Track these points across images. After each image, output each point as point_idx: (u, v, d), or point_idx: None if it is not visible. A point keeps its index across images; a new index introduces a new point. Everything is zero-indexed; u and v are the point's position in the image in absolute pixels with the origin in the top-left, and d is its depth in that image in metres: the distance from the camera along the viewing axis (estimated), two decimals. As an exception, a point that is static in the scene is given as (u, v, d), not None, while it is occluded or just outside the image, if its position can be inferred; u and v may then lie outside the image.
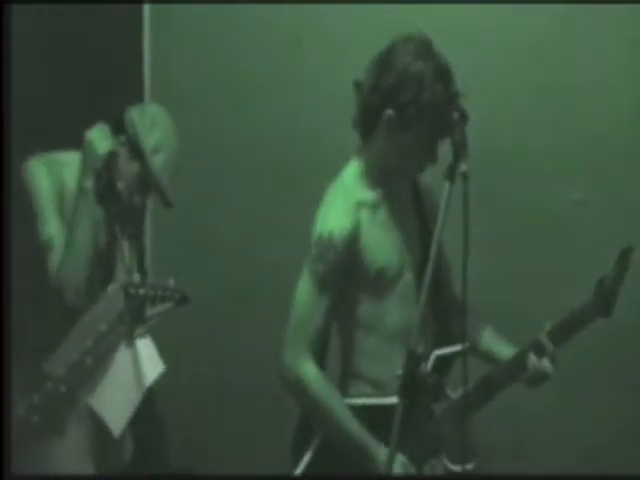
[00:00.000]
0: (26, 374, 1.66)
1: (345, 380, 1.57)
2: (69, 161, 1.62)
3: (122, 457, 1.76)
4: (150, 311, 1.46)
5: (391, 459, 1.35)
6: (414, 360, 1.29)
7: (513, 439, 2.13)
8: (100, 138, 1.57)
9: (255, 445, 2.24)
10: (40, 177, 1.59)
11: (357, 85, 1.48)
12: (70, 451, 1.67)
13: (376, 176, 1.51)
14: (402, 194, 1.58)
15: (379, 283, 1.50)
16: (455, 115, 1.32)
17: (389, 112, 1.43)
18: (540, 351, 1.48)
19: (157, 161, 1.57)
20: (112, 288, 1.55)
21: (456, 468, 1.52)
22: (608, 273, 1.46)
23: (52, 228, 1.57)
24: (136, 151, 1.55)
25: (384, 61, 1.44)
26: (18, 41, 2.02)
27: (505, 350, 1.57)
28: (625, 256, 1.45)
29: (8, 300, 0.90)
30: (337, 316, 1.53)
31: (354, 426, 1.47)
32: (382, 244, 1.50)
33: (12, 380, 1.70)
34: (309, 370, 1.46)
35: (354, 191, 1.50)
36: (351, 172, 1.53)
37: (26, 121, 1.93)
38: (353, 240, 1.46)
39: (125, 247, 1.64)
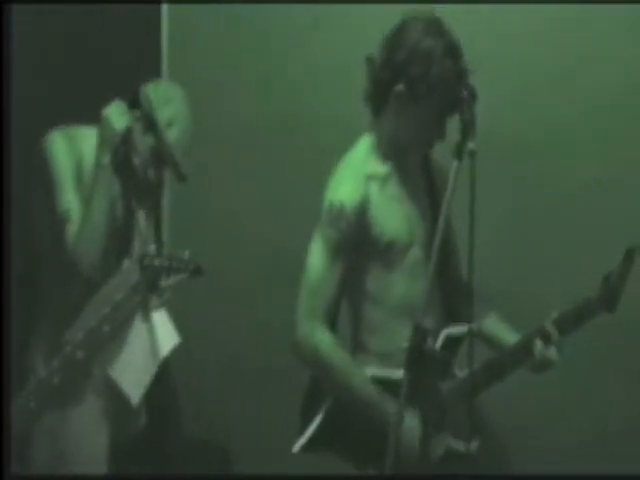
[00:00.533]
0: (49, 342, 1.73)
1: (352, 352, 1.59)
2: (89, 135, 1.65)
3: (135, 425, 1.82)
4: (165, 282, 1.50)
5: (394, 440, 1.34)
6: (420, 334, 1.31)
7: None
8: (117, 114, 1.61)
9: (267, 418, 2.29)
10: (60, 150, 1.63)
11: (369, 61, 1.52)
12: (86, 416, 1.73)
13: (386, 150, 1.55)
14: (413, 169, 1.61)
15: (388, 255, 1.53)
16: (464, 93, 1.34)
17: (399, 87, 1.46)
18: (546, 338, 1.49)
19: (171, 134, 1.60)
20: (129, 262, 1.60)
21: (459, 446, 1.54)
22: (614, 269, 1.47)
23: (70, 200, 1.61)
24: (151, 125, 1.59)
25: (395, 38, 1.48)
26: (37, 41, 2.03)
27: (508, 336, 1.59)
28: (630, 256, 1.46)
29: (8, 300, 0.93)
30: (346, 288, 1.55)
31: (369, 387, 1.50)
32: (391, 217, 1.53)
33: (35, 347, 1.78)
34: (325, 338, 1.49)
35: (364, 164, 1.53)
36: (362, 146, 1.56)
37: (46, 122, 1.97)
38: (363, 211, 1.49)
39: (141, 220, 1.68)
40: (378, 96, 1.51)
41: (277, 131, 2.33)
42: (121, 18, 2.27)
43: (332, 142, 2.17)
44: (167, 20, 2.39)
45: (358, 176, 1.51)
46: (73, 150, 1.65)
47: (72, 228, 1.61)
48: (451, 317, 1.61)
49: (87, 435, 1.72)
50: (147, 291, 1.46)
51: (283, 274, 2.27)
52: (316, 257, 1.49)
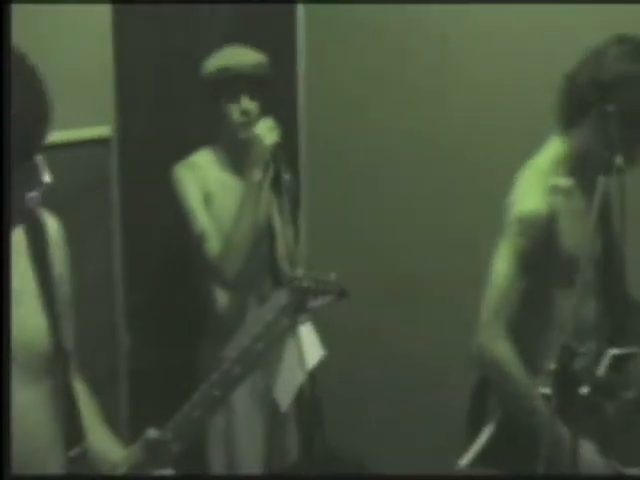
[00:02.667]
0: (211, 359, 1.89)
1: None
2: (206, 160, 1.84)
3: (289, 455, 1.95)
4: (312, 303, 1.58)
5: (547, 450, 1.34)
6: (568, 354, 1.30)
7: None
8: (267, 130, 1.74)
9: (411, 432, 2.31)
10: (184, 179, 1.81)
11: (568, 77, 1.53)
12: (249, 425, 1.87)
13: (573, 164, 1.54)
14: (589, 186, 1.54)
15: (564, 271, 1.50)
16: (610, 107, 1.33)
17: (607, 107, 1.44)
18: None
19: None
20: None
21: (628, 470, 1.52)
22: None
23: (202, 220, 1.78)
24: None
25: (603, 58, 1.48)
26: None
27: None
28: None
29: (8, 298, 1.02)
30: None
31: (543, 406, 1.47)
32: (573, 232, 1.51)
33: (200, 363, 1.93)
34: (506, 350, 1.48)
35: (550, 175, 1.53)
36: (548, 157, 1.56)
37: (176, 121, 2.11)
38: (551, 223, 1.49)
39: (284, 229, 1.79)
40: (576, 112, 1.51)
41: (407, 149, 2.37)
42: (274, 18, 2.34)
43: (464, 158, 2.19)
44: (303, 20, 2.46)
45: (546, 187, 1.50)
46: (196, 177, 1.82)
47: (211, 243, 1.76)
48: (621, 337, 1.57)
49: (250, 442, 1.85)
50: (295, 312, 1.54)
51: (413, 291, 2.31)
52: (505, 264, 1.48)
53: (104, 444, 1.27)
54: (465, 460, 1.53)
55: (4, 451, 0.97)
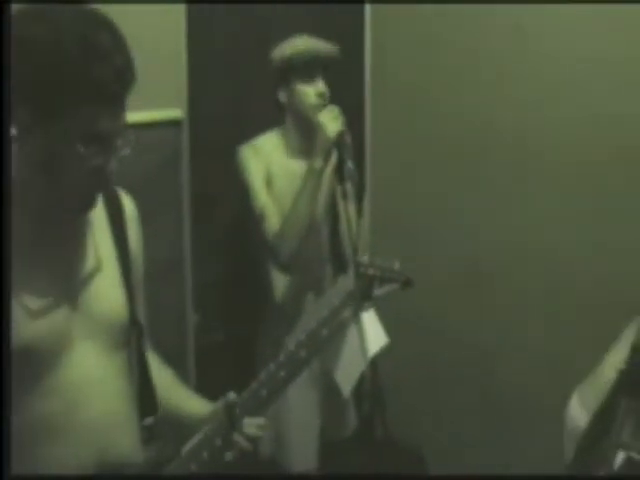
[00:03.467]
0: (270, 341, 1.92)
1: None
2: (270, 143, 1.86)
3: (346, 429, 1.95)
4: (377, 291, 1.59)
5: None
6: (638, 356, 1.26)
7: None
8: (330, 119, 1.75)
9: (461, 420, 2.30)
10: (249, 160, 1.83)
11: None
12: (304, 408, 1.90)
13: None
14: None
15: None
16: None
17: None
18: None
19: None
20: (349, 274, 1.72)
21: None
22: None
23: (263, 199, 1.80)
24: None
25: None
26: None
27: None
28: None
29: (8, 298, 1.03)
30: None
31: None
32: None
33: (263, 341, 1.97)
34: None
35: None
36: None
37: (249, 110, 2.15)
38: None
39: (347, 217, 1.81)
40: None
41: (479, 141, 2.33)
42: (342, 17, 2.38)
43: (537, 151, 2.13)
44: (370, 20, 2.47)
45: None
46: (260, 158, 1.85)
47: (270, 222, 1.80)
48: None
49: (303, 424, 1.88)
50: (361, 299, 1.55)
51: (476, 278, 2.28)
52: None
53: (189, 403, 1.31)
54: None
55: (4, 451, 0.98)
